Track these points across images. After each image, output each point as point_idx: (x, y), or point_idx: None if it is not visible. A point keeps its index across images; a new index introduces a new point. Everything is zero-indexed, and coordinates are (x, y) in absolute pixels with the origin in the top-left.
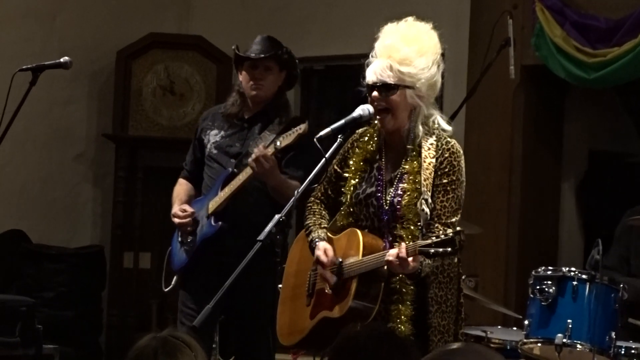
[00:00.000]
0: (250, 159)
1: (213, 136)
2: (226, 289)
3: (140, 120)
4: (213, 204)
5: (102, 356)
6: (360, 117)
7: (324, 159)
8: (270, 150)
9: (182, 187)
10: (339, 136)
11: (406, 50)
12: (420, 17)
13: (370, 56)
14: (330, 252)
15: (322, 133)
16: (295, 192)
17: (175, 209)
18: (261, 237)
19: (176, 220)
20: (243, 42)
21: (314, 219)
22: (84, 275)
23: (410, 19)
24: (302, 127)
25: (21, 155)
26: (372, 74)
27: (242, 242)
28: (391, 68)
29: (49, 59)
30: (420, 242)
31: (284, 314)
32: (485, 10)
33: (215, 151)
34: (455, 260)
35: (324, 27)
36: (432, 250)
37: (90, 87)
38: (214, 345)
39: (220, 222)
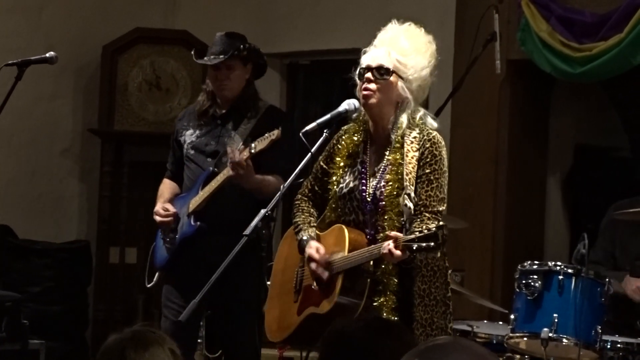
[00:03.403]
0: (229, 162)
1: (189, 136)
2: (212, 283)
3: (126, 115)
4: (193, 203)
5: (89, 351)
6: (346, 111)
7: (309, 154)
8: (245, 155)
9: (166, 186)
10: (325, 131)
11: (406, 44)
12: (408, 13)
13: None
14: (323, 251)
15: (307, 127)
16: (282, 186)
17: (158, 207)
18: (247, 231)
19: (157, 218)
20: None
21: (303, 217)
22: (70, 271)
23: (412, 24)
24: (274, 133)
25: (6, 151)
26: (370, 58)
27: (222, 238)
28: (389, 54)
29: (34, 54)
30: (404, 237)
31: (272, 311)
32: (471, 4)
33: (192, 152)
34: (439, 254)
35: (310, 22)
36: (415, 246)
37: (76, 82)
38: (199, 340)
39: (198, 222)
